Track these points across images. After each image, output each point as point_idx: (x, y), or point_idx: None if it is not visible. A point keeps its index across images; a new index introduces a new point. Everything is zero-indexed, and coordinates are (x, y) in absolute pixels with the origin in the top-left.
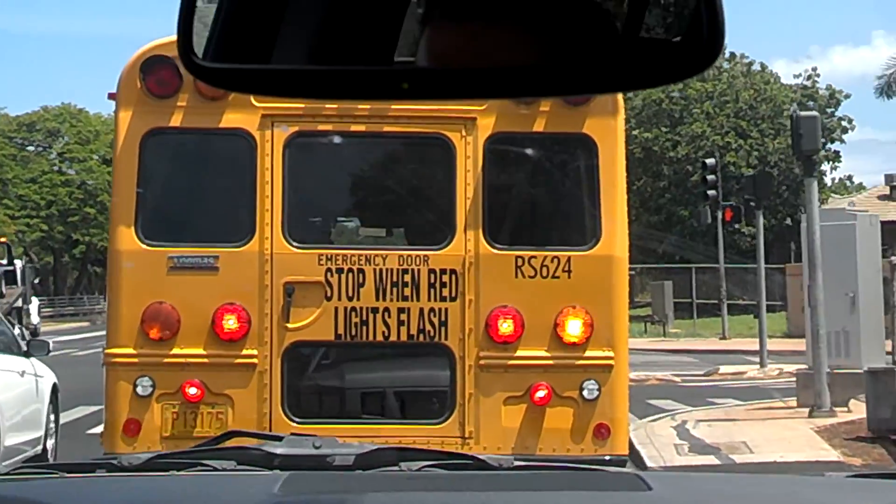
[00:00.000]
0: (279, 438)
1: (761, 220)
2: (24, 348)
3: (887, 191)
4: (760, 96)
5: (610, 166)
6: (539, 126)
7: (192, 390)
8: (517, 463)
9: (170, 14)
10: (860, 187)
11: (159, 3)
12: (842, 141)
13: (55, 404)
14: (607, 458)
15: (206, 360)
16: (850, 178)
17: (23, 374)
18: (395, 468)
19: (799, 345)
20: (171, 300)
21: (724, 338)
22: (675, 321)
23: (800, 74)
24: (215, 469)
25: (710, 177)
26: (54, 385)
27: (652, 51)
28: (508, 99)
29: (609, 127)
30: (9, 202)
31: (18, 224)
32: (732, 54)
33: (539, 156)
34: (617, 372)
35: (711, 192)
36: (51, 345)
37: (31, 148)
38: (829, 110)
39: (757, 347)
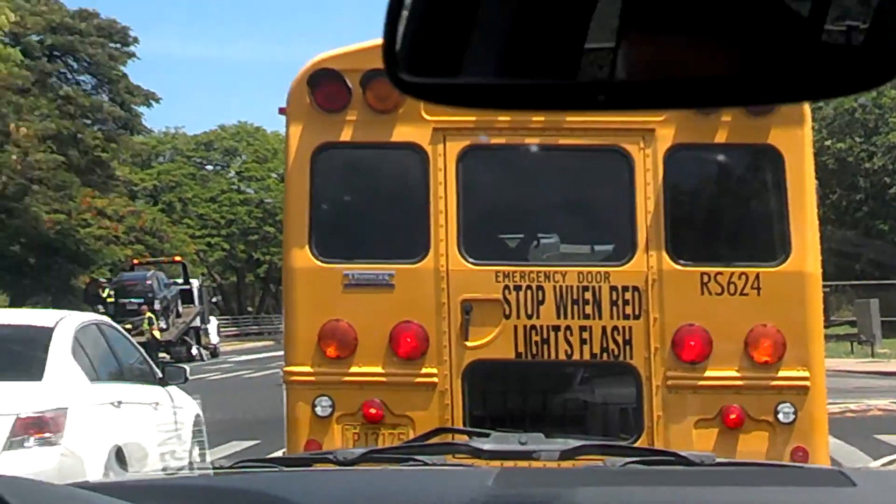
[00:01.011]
0: (486, 435)
1: None
2: (160, 375)
3: None
4: None
5: (798, 178)
6: (721, 137)
7: (373, 410)
8: (719, 460)
9: (341, 38)
10: None
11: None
12: None
13: (200, 440)
14: None
15: (384, 378)
16: None
17: (156, 406)
18: (600, 464)
19: None
20: (348, 318)
21: None
22: (882, 340)
23: None
24: (426, 464)
25: None
26: (197, 417)
27: (840, 59)
28: (701, 108)
29: (796, 137)
30: (189, 221)
31: (199, 243)
32: None
33: (722, 167)
34: (813, 393)
35: None
36: (188, 370)
37: (209, 167)
38: None
39: None
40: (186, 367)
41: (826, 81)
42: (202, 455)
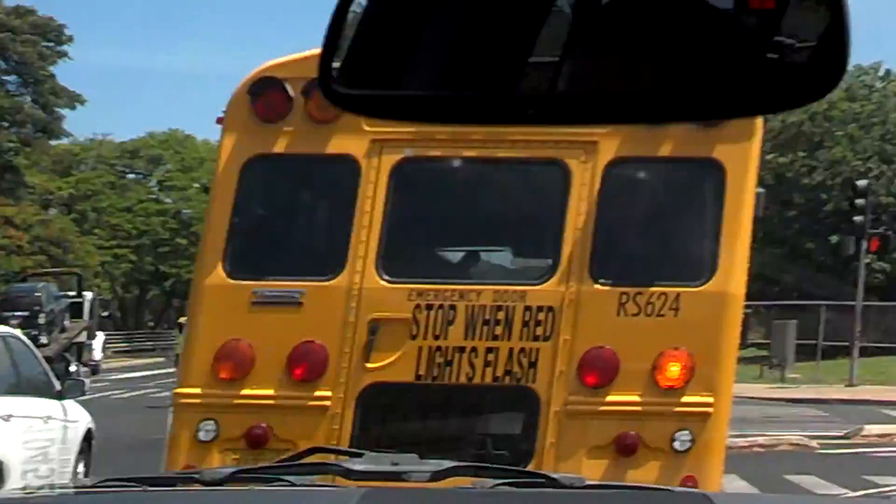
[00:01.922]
0: (360, 455)
1: None
2: (58, 388)
3: None
4: None
5: (737, 195)
6: (665, 150)
7: (257, 433)
8: (588, 482)
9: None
10: None
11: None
12: None
13: (86, 455)
14: None
15: (274, 401)
16: None
17: (47, 419)
18: (469, 486)
19: None
20: (250, 337)
21: (851, 384)
22: (794, 364)
23: None
24: (293, 485)
25: (860, 201)
26: (88, 432)
27: (779, 75)
28: (634, 124)
29: (742, 151)
30: (100, 231)
31: (105, 254)
32: (888, 72)
33: (661, 182)
34: (715, 420)
35: (858, 219)
36: (87, 384)
37: (131, 175)
38: None
39: (891, 397)
40: (86, 380)
41: (769, 96)
42: (87, 470)
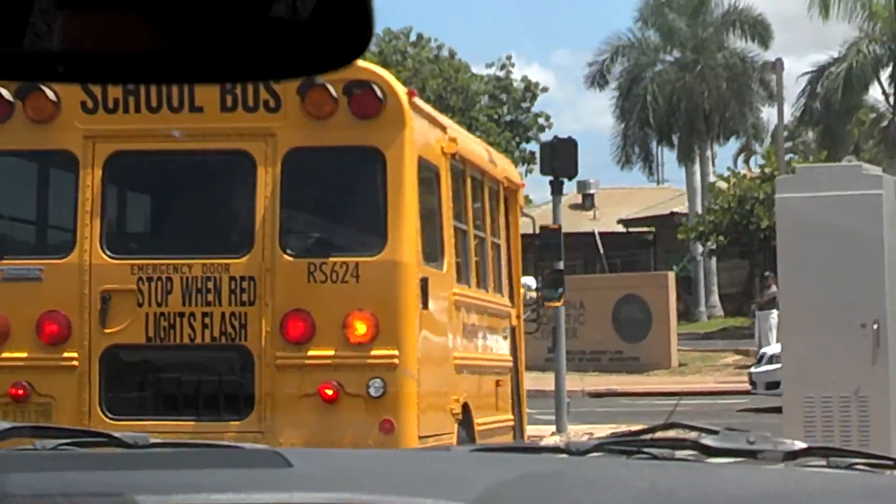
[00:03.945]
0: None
1: None
2: None
3: (579, 199)
4: (451, 86)
5: (397, 177)
6: (333, 140)
7: (20, 392)
8: (153, 440)
9: None
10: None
11: None
12: (538, 140)
13: None
14: None
15: (31, 363)
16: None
17: None
18: (30, 448)
19: None
20: (3, 309)
21: None
22: None
23: (493, 63)
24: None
25: None
26: None
27: (294, 37)
28: (143, 84)
29: (396, 138)
30: None
31: None
32: (420, 36)
33: (333, 168)
34: (402, 370)
35: None
36: None
37: None
38: (524, 104)
39: None
40: None
41: (288, 60)
42: None
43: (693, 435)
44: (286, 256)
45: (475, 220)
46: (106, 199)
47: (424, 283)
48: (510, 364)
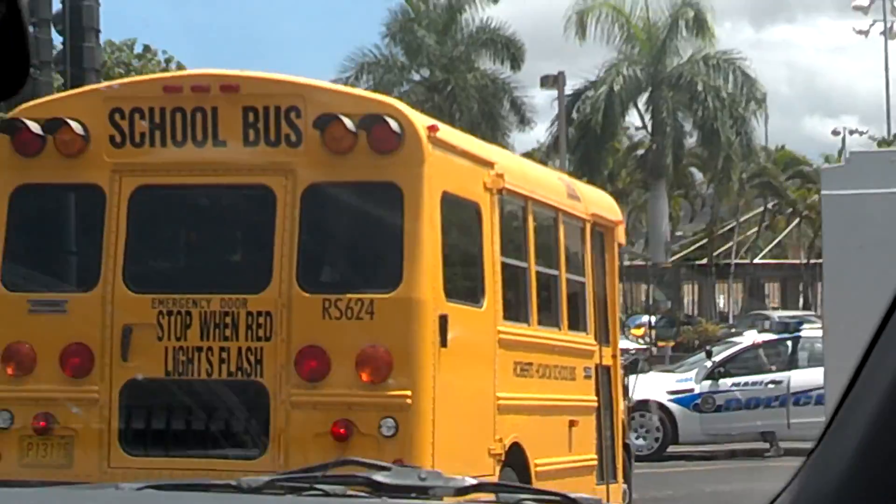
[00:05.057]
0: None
1: None
2: None
3: None
4: None
5: (415, 212)
6: (353, 176)
7: (42, 423)
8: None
9: None
10: None
11: None
12: None
13: None
14: None
15: (54, 394)
16: None
17: None
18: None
19: None
20: (30, 340)
21: None
22: None
23: None
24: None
25: None
26: None
27: None
28: None
29: (415, 174)
30: None
31: None
32: (147, 47)
33: (351, 204)
34: (416, 409)
35: None
36: None
37: None
38: None
39: None
40: None
41: None
42: None
43: (365, 471)
44: (302, 292)
45: (542, 256)
46: (130, 233)
47: (444, 320)
48: (591, 404)
